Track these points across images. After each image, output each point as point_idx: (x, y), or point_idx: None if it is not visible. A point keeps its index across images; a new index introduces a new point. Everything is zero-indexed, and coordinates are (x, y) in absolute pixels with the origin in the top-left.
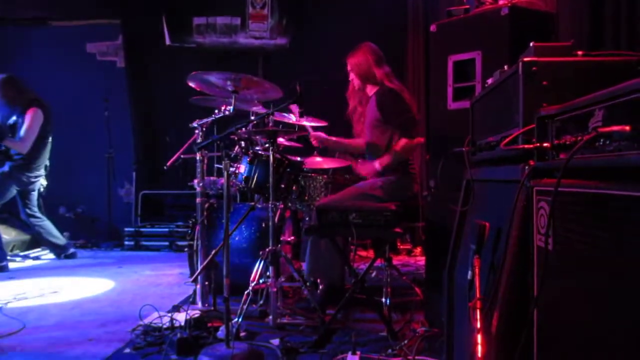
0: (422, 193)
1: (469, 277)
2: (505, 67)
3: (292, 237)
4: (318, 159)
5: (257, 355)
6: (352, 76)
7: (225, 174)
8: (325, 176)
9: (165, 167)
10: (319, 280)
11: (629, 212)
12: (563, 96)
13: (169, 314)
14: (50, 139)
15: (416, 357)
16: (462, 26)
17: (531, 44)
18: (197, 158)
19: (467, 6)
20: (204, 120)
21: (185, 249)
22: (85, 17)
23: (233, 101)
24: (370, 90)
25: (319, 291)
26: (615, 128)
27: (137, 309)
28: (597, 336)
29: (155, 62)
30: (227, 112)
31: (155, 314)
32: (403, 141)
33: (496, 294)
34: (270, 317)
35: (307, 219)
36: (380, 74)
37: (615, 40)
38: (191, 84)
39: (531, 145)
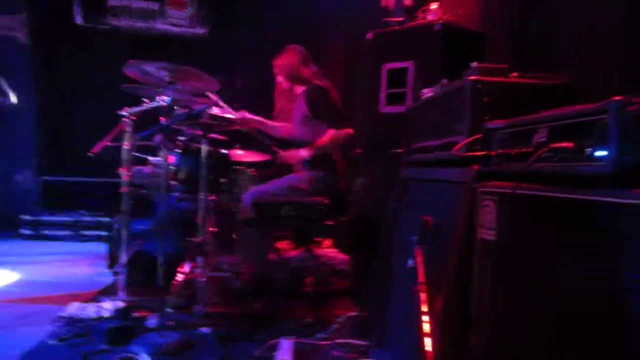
0: (347, 189)
1: (411, 265)
2: (445, 80)
3: (216, 229)
4: (239, 152)
5: (190, 344)
6: (279, 78)
7: (164, 164)
8: (253, 169)
9: (89, 154)
10: (247, 270)
11: (573, 213)
12: (500, 111)
13: (93, 304)
14: None
15: (346, 341)
16: (397, 37)
17: (474, 64)
18: (125, 146)
19: (402, 18)
20: (136, 109)
21: (103, 239)
22: None
23: (170, 92)
24: (299, 89)
25: (248, 281)
26: (564, 144)
27: (53, 301)
28: (530, 318)
29: (65, 42)
30: (162, 103)
31: (76, 305)
32: (331, 132)
33: (440, 279)
34: (199, 306)
35: (236, 211)
36: (307, 73)
37: (534, 58)
38: (127, 72)
39: (481, 152)
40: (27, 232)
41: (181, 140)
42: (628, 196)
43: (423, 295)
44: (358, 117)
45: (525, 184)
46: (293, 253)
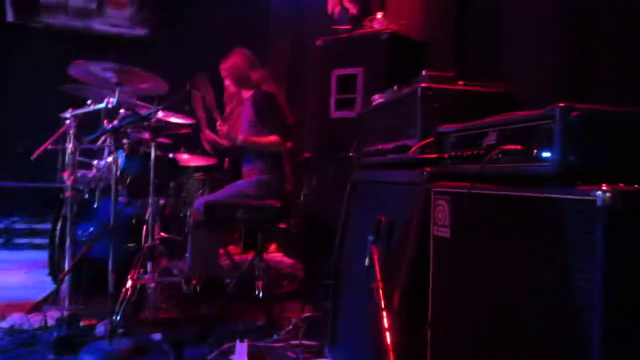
0: (296, 192)
1: (367, 263)
2: (395, 87)
3: (164, 234)
4: (185, 156)
5: (141, 350)
6: (227, 82)
7: (114, 167)
8: (201, 173)
9: (31, 158)
10: (198, 275)
11: (522, 210)
12: (448, 117)
13: (35, 314)
14: None
15: (301, 342)
16: (345, 44)
17: (424, 72)
18: (68, 150)
19: (350, 26)
20: (78, 111)
21: (40, 246)
22: None
23: (116, 93)
24: (246, 93)
25: (198, 285)
26: (512, 147)
27: None
28: (481, 310)
29: None
30: (109, 105)
31: (16, 315)
32: (274, 137)
33: (396, 275)
34: (148, 312)
35: (188, 214)
36: (255, 77)
37: (475, 66)
38: (72, 72)
39: (434, 155)
40: None
41: (127, 143)
42: (572, 192)
43: (380, 292)
44: (307, 121)
45: (478, 183)
46: (242, 257)
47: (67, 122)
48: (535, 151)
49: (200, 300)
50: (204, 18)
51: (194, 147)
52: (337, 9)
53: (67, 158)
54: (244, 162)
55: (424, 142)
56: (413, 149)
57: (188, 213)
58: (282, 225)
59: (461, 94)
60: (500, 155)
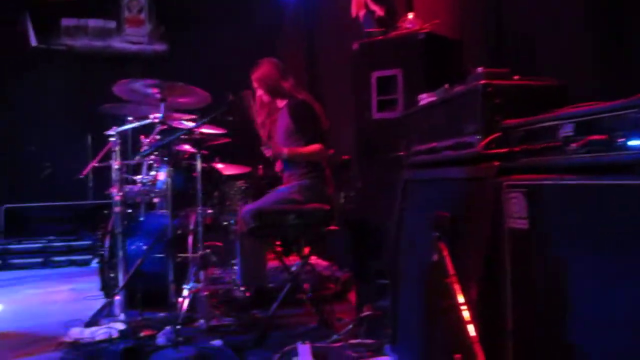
0: (335, 195)
1: (434, 259)
2: (446, 86)
3: (213, 242)
4: (219, 165)
5: (207, 356)
6: (259, 92)
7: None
8: (242, 182)
9: (80, 176)
10: (247, 281)
11: (601, 199)
12: (508, 111)
13: (94, 327)
14: None
15: (363, 341)
16: (382, 46)
17: (479, 69)
18: (115, 166)
19: (379, 29)
20: (123, 128)
21: (97, 262)
22: None
23: (161, 108)
24: (280, 102)
25: (248, 291)
26: (598, 137)
27: (45, 328)
28: (564, 305)
29: (16, 65)
30: (155, 120)
31: (77, 329)
32: (316, 146)
33: (468, 269)
34: (202, 320)
35: (232, 222)
36: (288, 87)
37: (511, 63)
38: (117, 93)
39: (504, 149)
40: None
41: (171, 157)
42: None
43: (457, 286)
44: (341, 124)
45: (562, 174)
46: (288, 261)
47: (112, 139)
48: (620, 140)
49: (251, 305)
50: (220, 29)
51: (226, 157)
52: (362, 12)
53: (113, 174)
54: (285, 168)
55: (491, 137)
56: (481, 144)
57: (232, 221)
58: (332, 228)
59: (518, 89)
60: (578, 147)
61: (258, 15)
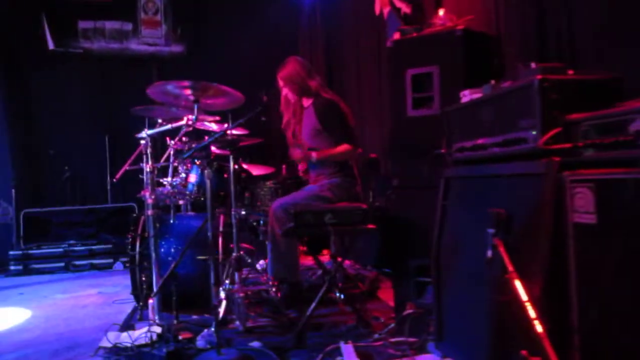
0: (368, 192)
1: (488, 256)
2: (492, 81)
3: (247, 244)
4: (245, 166)
5: (250, 358)
6: (285, 91)
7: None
8: (271, 181)
9: (114, 180)
10: (282, 281)
11: None
12: (565, 106)
13: (131, 331)
14: None
15: (407, 339)
16: (417, 43)
17: (533, 65)
18: (146, 169)
19: (418, 26)
20: (154, 131)
21: (127, 265)
22: None
23: (195, 110)
24: (306, 101)
25: (282, 291)
26: None
27: (81, 333)
28: (635, 302)
29: (35, 68)
30: (189, 122)
31: (114, 334)
32: (345, 146)
33: (528, 265)
34: (238, 322)
35: (261, 222)
36: (314, 85)
37: (559, 56)
38: (151, 95)
39: (568, 144)
40: (16, 268)
41: (207, 158)
42: None
43: (517, 283)
44: (369, 122)
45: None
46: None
47: (143, 142)
48: None
49: (286, 305)
50: (238, 28)
51: (245, 157)
52: (387, 10)
53: (145, 177)
54: (311, 168)
55: (553, 132)
56: (542, 139)
57: (261, 222)
58: (370, 226)
59: (574, 83)
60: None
61: (274, 15)
